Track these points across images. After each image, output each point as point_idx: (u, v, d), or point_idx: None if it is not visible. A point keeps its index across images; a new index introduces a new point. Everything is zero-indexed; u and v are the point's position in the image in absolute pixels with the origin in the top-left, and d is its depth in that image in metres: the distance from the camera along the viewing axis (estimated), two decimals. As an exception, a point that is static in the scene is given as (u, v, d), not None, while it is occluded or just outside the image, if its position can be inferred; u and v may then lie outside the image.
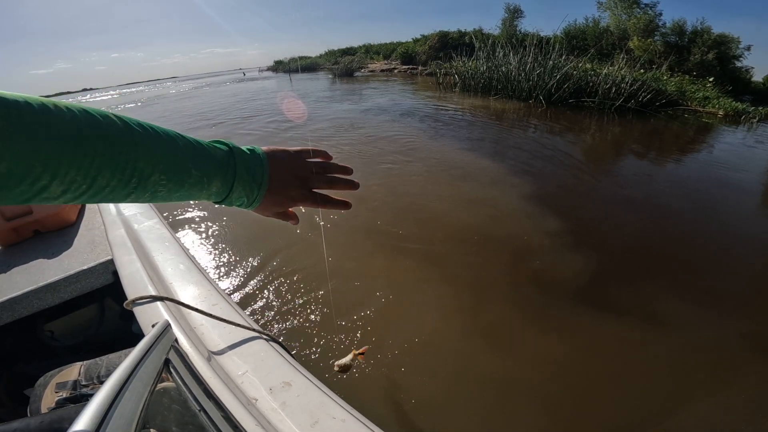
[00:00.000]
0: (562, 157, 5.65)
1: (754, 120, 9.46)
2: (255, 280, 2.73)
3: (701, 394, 1.84)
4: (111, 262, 1.36)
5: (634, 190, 4.37)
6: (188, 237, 3.47)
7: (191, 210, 4.04)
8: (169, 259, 1.26)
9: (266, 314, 2.37)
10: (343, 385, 1.86)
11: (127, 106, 20.15)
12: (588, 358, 2.03)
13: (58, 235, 1.64)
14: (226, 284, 2.71)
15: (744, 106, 10.35)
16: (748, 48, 14.95)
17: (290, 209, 0.60)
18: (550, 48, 11.66)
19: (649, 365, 2.00)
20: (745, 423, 1.70)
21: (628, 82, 9.99)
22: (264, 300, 2.51)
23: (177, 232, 3.53)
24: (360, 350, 0.84)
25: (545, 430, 1.68)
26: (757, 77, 15.51)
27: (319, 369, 1.94)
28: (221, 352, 0.87)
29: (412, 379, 1.89)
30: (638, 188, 4.45)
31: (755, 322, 2.31)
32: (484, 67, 12.69)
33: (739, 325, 2.28)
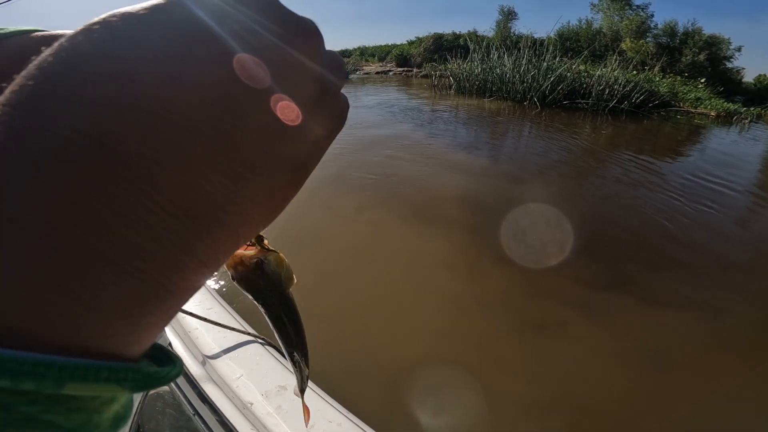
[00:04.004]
0: (556, 156, 5.69)
1: (746, 120, 9.59)
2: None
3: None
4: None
5: (627, 186, 4.41)
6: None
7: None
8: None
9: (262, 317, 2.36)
10: (341, 388, 1.86)
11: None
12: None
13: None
14: (221, 287, 2.70)
15: (736, 106, 10.49)
16: (739, 49, 15.17)
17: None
18: (544, 50, 11.75)
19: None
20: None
21: (621, 84, 10.09)
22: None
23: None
24: None
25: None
26: (748, 78, 15.73)
27: (316, 372, 1.93)
28: (216, 356, 0.87)
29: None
30: (630, 182, 4.49)
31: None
32: (479, 69, 12.76)
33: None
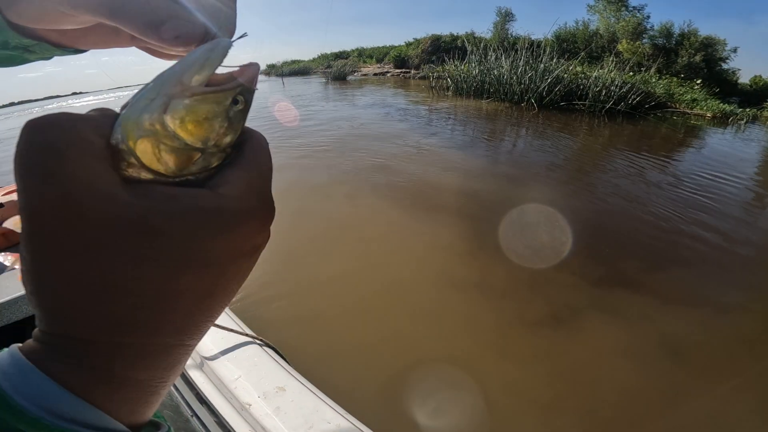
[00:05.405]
0: (554, 155, 5.71)
1: (742, 121, 9.65)
2: (251, 283, 2.71)
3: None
4: (102, 267, 1.34)
5: (621, 185, 4.42)
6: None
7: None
8: (161, 264, 1.25)
9: (261, 318, 2.35)
10: (339, 390, 1.85)
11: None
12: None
13: (47, 241, 1.61)
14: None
15: (731, 107, 10.55)
16: (735, 50, 15.25)
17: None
18: (541, 51, 11.79)
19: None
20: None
21: (617, 85, 10.12)
22: (259, 303, 2.49)
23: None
24: None
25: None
26: (744, 79, 15.80)
27: (314, 374, 1.92)
28: (214, 358, 0.86)
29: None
30: (625, 181, 4.51)
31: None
32: (477, 71, 12.78)
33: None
